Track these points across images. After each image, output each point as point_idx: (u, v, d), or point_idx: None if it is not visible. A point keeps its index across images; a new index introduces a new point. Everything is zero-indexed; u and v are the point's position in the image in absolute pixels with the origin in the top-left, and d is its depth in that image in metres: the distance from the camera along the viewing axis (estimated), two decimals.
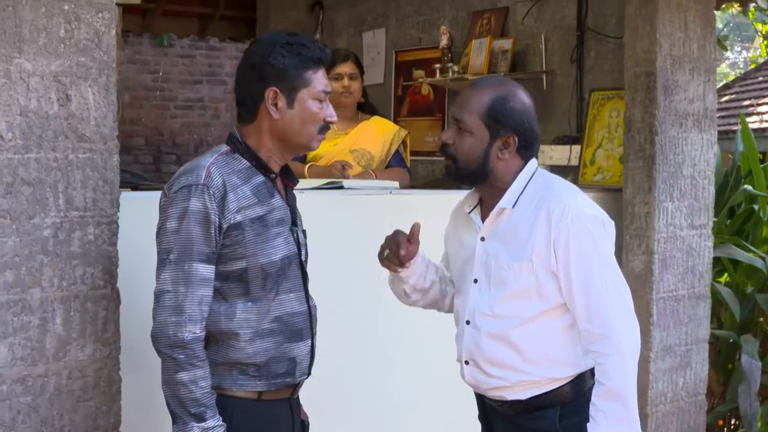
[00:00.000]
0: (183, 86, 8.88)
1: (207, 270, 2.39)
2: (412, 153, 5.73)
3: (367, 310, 3.73)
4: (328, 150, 4.48)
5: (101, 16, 2.66)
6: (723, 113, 12.20)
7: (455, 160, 2.62)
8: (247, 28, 7.82)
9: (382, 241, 3.76)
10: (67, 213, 2.62)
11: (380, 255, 2.76)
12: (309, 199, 3.68)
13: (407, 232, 2.74)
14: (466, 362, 2.69)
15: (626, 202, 4.45)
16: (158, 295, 2.39)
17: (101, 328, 2.68)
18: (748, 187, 5.55)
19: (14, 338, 2.54)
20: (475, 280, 2.67)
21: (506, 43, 5.32)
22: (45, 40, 2.57)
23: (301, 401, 2.75)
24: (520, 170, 2.63)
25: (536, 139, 2.65)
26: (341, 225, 3.69)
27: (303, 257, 2.61)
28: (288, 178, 2.64)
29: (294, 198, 2.65)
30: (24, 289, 2.55)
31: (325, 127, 2.57)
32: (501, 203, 2.61)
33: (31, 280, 2.56)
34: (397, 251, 2.69)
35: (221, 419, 2.40)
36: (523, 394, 2.62)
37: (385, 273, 2.87)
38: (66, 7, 2.60)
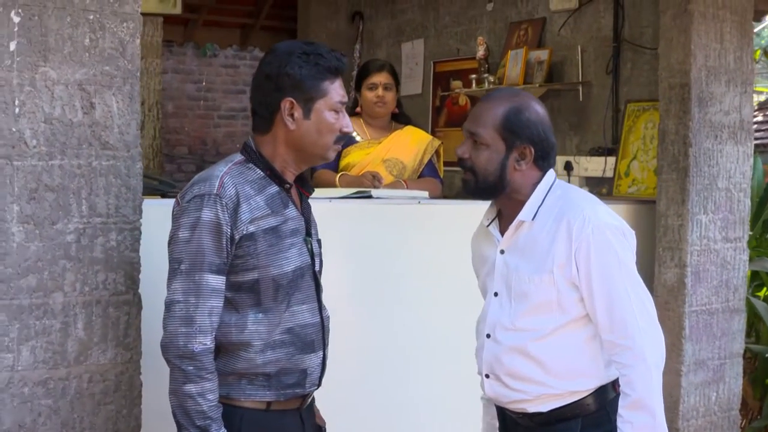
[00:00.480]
0: (226, 96, 8.96)
1: (217, 281, 2.38)
2: (450, 164, 5.71)
3: (392, 319, 3.73)
4: (360, 159, 4.50)
5: (126, 26, 2.69)
6: None
7: (474, 173, 2.60)
8: (289, 38, 7.86)
9: (409, 250, 3.79)
10: (89, 219, 2.65)
11: None
12: (337, 207, 3.71)
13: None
14: (487, 376, 2.67)
15: (659, 215, 4.41)
16: (169, 305, 2.39)
17: (123, 333, 2.71)
18: None
19: (36, 341, 2.58)
20: (496, 294, 2.65)
21: (542, 54, 5.30)
22: (70, 49, 2.61)
23: (320, 407, 2.77)
24: (538, 182, 2.61)
25: (552, 148, 2.63)
26: (368, 234, 3.70)
27: (317, 268, 2.59)
28: (303, 187, 2.62)
29: (309, 207, 2.63)
30: (46, 293, 2.59)
31: (342, 137, 2.54)
32: (521, 216, 2.59)
33: (53, 284, 2.60)
34: None
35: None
36: (545, 407, 2.60)
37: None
38: (91, 17, 2.64)
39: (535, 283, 2.55)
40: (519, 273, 2.58)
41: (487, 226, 2.71)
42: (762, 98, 13.87)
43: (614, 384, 2.60)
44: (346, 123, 2.53)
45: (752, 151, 4.57)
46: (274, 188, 2.49)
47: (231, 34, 8.33)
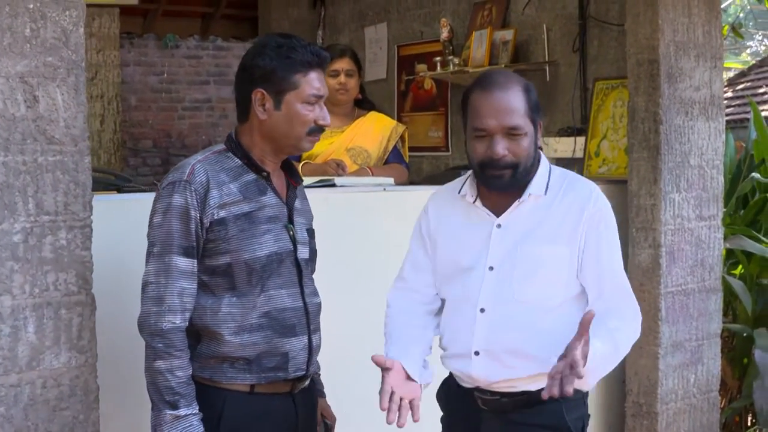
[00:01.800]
0: (190, 87, 8.78)
1: (187, 263, 2.46)
2: (417, 149, 5.64)
3: (358, 308, 3.62)
4: (323, 149, 4.40)
5: (68, 14, 2.57)
6: (738, 101, 12.04)
7: (516, 166, 2.54)
8: (251, 26, 7.74)
9: (376, 238, 3.69)
10: (37, 218, 2.54)
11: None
12: None
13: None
14: (476, 353, 2.59)
15: (631, 194, 4.32)
16: (143, 286, 2.48)
17: (76, 335, 2.60)
18: (756, 175, 5.40)
19: None
20: (491, 268, 2.59)
21: (507, 34, 5.21)
22: (10, 40, 2.49)
23: None
24: (538, 157, 2.62)
25: None
26: (332, 223, 3.59)
27: (303, 255, 2.63)
28: (292, 177, 2.68)
29: (295, 197, 2.66)
30: None
31: (316, 129, 2.57)
32: (531, 190, 2.57)
33: (1, 287, 2.48)
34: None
35: (197, 408, 2.45)
36: (534, 386, 2.54)
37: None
38: (31, 6, 2.51)
39: (546, 256, 2.54)
40: (525, 246, 2.55)
41: (473, 202, 2.64)
42: (731, 74, 13.88)
43: None
44: (323, 115, 2.57)
45: (724, 127, 4.49)
46: (250, 176, 2.56)
47: (192, 23, 8.20)
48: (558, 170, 2.65)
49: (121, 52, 7.38)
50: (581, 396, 2.58)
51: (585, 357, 2.30)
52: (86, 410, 2.63)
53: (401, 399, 2.48)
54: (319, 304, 2.69)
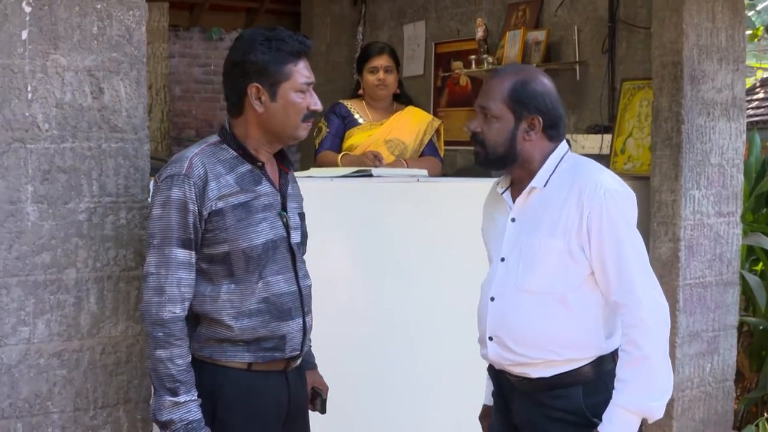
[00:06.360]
0: None
1: (185, 254, 2.55)
2: (451, 143, 5.83)
3: (392, 297, 3.82)
4: (363, 141, 4.61)
5: (132, 14, 2.82)
6: None
7: (484, 145, 2.70)
8: (294, 21, 7.95)
9: (409, 227, 3.90)
10: (100, 199, 2.78)
11: None
12: (337, 186, 3.82)
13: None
14: (491, 338, 2.74)
15: (653, 190, 4.52)
16: (144, 277, 2.58)
17: (133, 307, 2.83)
18: None
19: (51, 315, 2.71)
20: (503, 259, 2.73)
21: (540, 35, 5.41)
22: (79, 37, 2.73)
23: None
24: (551, 152, 2.72)
25: (560, 119, 2.73)
26: (368, 212, 3.80)
27: (295, 240, 2.72)
28: (284, 164, 2.77)
29: (288, 183, 2.77)
30: (60, 269, 2.72)
31: (309, 114, 2.66)
32: (533, 183, 2.69)
33: (66, 261, 2.73)
34: None
35: (196, 395, 2.55)
36: (548, 372, 2.67)
37: None
38: (98, 6, 2.75)
39: (545, 248, 2.63)
40: (529, 238, 2.67)
41: (502, 193, 2.79)
42: (765, 75, 13.91)
43: (614, 355, 2.67)
44: (314, 102, 2.66)
45: (744, 128, 4.66)
46: (246, 167, 2.64)
47: (236, 18, 8.42)
48: (570, 162, 2.71)
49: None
50: (603, 381, 2.66)
51: None
52: (140, 375, 2.87)
53: None
54: (311, 287, 2.78)
